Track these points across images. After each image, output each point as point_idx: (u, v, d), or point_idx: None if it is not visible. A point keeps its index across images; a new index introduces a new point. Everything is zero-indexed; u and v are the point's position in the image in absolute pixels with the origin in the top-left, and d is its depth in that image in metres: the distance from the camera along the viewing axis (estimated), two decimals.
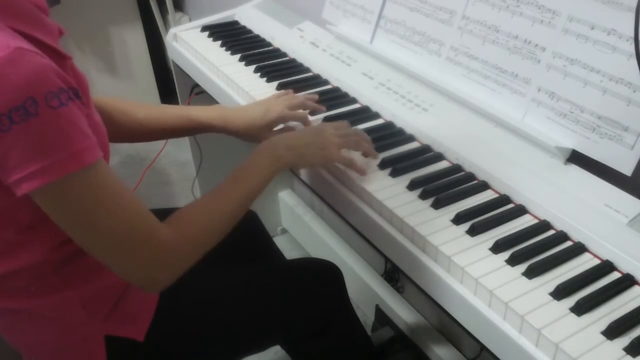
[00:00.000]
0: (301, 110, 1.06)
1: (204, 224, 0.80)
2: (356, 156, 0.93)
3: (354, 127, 0.98)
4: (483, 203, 0.84)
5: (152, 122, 1.06)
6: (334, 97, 1.15)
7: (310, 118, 1.08)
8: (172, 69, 1.57)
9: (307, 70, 1.27)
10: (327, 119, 1.06)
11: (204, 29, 1.49)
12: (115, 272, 0.73)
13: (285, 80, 1.22)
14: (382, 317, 1.55)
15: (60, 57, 0.72)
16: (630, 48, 0.80)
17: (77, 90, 0.68)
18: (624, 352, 0.62)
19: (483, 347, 0.72)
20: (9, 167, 0.63)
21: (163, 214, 0.82)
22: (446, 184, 0.88)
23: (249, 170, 0.86)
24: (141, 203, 0.73)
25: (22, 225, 0.73)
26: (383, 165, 0.93)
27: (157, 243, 0.73)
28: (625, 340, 0.64)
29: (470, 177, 0.90)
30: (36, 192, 0.65)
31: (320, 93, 1.17)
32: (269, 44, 1.41)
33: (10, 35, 0.64)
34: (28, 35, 0.67)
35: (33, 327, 0.84)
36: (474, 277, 0.71)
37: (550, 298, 0.69)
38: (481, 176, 0.90)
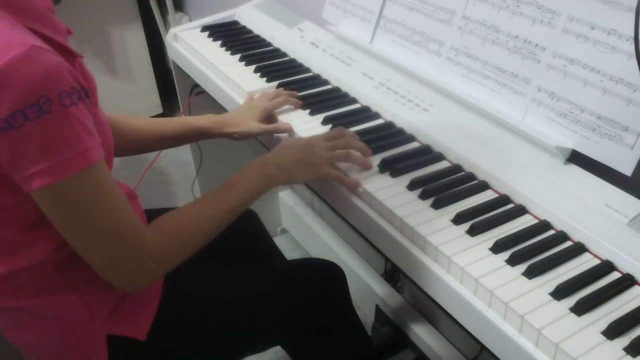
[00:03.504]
0: (281, 98, 1.12)
1: (185, 234, 0.81)
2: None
3: (348, 133, 0.97)
4: (483, 203, 0.84)
5: (148, 131, 1.08)
6: (334, 97, 1.15)
7: (312, 117, 1.08)
8: (172, 69, 1.57)
9: (307, 70, 1.27)
10: (327, 119, 1.06)
11: (204, 29, 1.49)
12: (94, 268, 0.75)
13: (285, 80, 1.22)
14: (382, 317, 1.55)
15: (70, 55, 0.73)
16: (630, 48, 0.80)
17: (87, 90, 0.69)
18: (624, 352, 0.62)
19: (483, 347, 0.72)
20: (20, 164, 0.64)
21: (163, 214, 0.83)
22: (446, 184, 0.88)
23: (237, 186, 0.87)
24: (129, 206, 0.74)
25: (26, 223, 0.74)
26: (383, 165, 0.93)
27: (139, 247, 0.75)
28: (625, 340, 0.64)
29: (470, 177, 0.90)
30: (41, 189, 0.65)
31: (320, 93, 1.17)
32: (269, 44, 1.41)
33: (25, 33, 0.65)
34: (40, 34, 0.68)
35: (35, 326, 0.84)
36: (474, 277, 0.71)
37: (550, 298, 0.69)
38: (481, 176, 0.90)
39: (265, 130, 1.08)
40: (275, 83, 1.21)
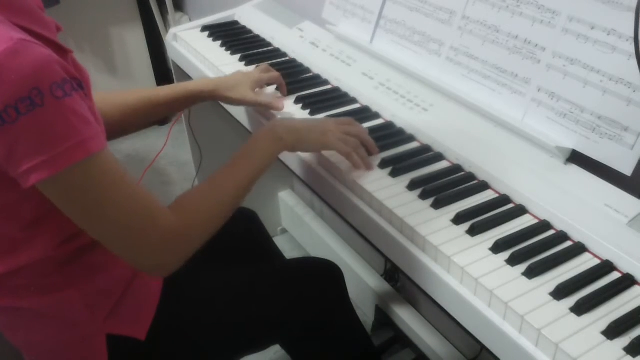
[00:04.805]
0: (274, 73, 1.15)
1: (208, 208, 0.81)
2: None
3: (358, 127, 0.97)
4: (483, 203, 0.84)
5: (144, 102, 1.07)
6: (334, 97, 1.15)
7: (312, 117, 1.08)
8: (172, 69, 1.57)
9: (307, 70, 1.27)
10: None
11: (204, 29, 1.49)
12: (124, 259, 0.74)
13: (285, 80, 1.22)
14: (382, 317, 1.55)
15: (61, 51, 0.72)
16: (630, 48, 0.80)
17: (80, 82, 0.69)
18: (624, 352, 0.62)
19: (483, 347, 0.72)
20: (17, 159, 0.64)
21: None
22: (446, 184, 0.88)
23: (250, 153, 0.87)
24: (146, 190, 0.73)
25: (25, 221, 0.74)
26: (383, 165, 0.93)
27: (163, 229, 0.74)
28: (625, 340, 0.64)
29: (470, 177, 0.90)
30: (43, 183, 0.65)
31: (320, 93, 1.17)
32: (269, 44, 1.41)
33: (12, 29, 0.65)
34: (29, 30, 0.68)
35: (34, 325, 0.84)
36: (474, 277, 0.71)
37: (550, 298, 0.69)
38: (481, 176, 0.90)
39: (258, 101, 1.09)
40: None
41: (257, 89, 1.12)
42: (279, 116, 1.10)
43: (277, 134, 0.89)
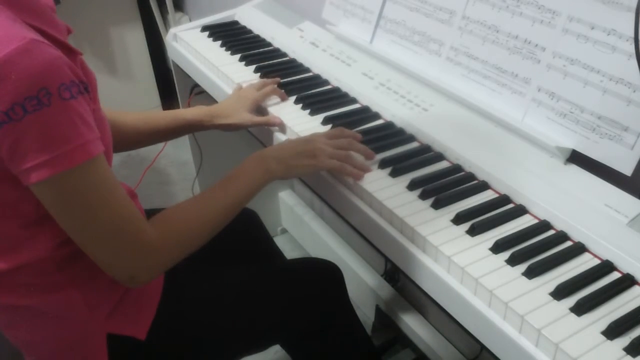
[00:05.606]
0: (268, 87, 1.15)
1: (188, 229, 0.81)
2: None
3: (348, 133, 0.97)
4: (483, 203, 0.84)
5: (141, 125, 1.09)
6: (334, 97, 1.15)
7: (312, 117, 1.08)
8: (172, 69, 1.57)
9: (307, 70, 1.27)
10: (327, 119, 1.06)
11: (204, 29, 1.49)
12: (97, 263, 0.75)
13: (285, 80, 1.22)
14: (382, 317, 1.55)
15: (71, 52, 0.73)
16: (630, 48, 0.80)
17: (87, 85, 0.70)
18: (624, 352, 0.62)
19: (483, 347, 0.72)
20: (19, 156, 0.64)
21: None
22: (446, 184, 0.88)
23: (238, 181, 0.87)
24: (131, 201, 0.74)
25: (26, 220, 0.74)
26: (383, 165, 0.93)
27: (142, 242, 0.75)
28: (625, 340, 0.64)
29: (470, 177, 0.90)
30: (41, 183, 0.66)
31: (320, 93, 1.17)
32: (269, 44, 1.41)
33: (25, 28, 0.66)
34: (40, 30, 0.69)
35: (35, 324, 0.84)
36: (474, 277, 0.71)
37: (550, 298, 0.69)
38: (481, 176, 0.90)
39: (256, 122, 1.10)
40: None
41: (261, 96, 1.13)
42: (277, 129, 1.10)
43: (266, 165, 0.89)
